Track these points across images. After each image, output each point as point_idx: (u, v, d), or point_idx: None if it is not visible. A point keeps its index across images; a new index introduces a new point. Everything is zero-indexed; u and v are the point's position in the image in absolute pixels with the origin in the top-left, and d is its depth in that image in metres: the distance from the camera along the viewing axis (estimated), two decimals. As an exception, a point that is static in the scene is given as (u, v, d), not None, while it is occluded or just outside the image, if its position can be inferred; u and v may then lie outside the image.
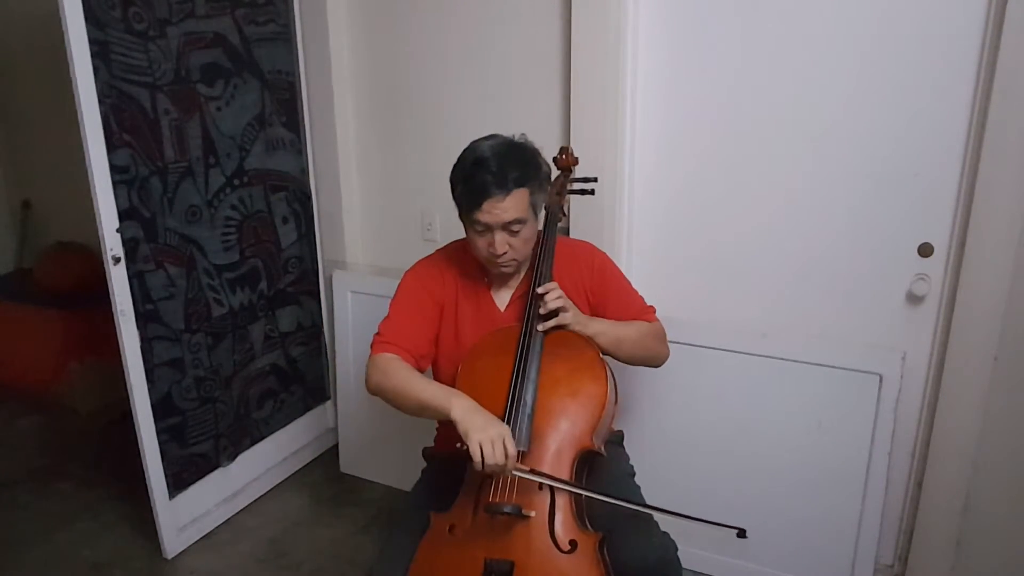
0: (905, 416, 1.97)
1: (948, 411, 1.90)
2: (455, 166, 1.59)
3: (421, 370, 1.61)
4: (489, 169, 1.50)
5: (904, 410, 1.94)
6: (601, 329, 1.63)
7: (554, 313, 1.58)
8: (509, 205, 1.51)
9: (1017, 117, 1.68)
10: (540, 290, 1.58)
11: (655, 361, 1.76)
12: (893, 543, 2.11)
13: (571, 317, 1.58)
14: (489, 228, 1.54)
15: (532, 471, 1.43)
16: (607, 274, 1.74)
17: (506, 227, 1.54)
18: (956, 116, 1.79)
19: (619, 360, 1.69)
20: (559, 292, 1.59)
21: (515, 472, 1.40)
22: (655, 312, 1.77)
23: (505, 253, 1.56)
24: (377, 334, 1.62)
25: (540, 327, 1.57)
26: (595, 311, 1.71)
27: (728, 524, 1.45)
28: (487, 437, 1.37)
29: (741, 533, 1.46)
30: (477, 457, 1.36)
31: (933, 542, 1.99)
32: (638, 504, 1.54)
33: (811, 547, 2.04)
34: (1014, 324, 1.79)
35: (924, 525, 2.00)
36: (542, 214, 1.64)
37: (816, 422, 1.98)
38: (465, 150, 1.59)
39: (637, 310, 1.73)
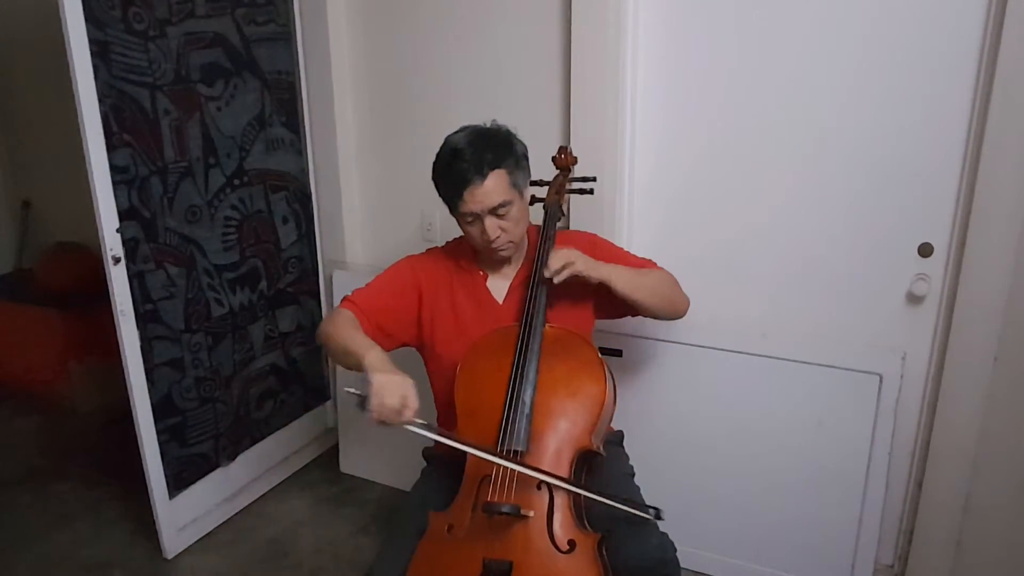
0: (905, 416, 1.96)
1: (948, 411, 1.90)
2: (434, 164, 1.60)
3: (373, 338, 1.64)
4: (464, 158, 1.53)
5: (904, 410, 1.94)
6: (615, 272, 1.60)
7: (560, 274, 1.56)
8: (490, 188, 1.53)
9: (1017, 117, 1.67)
10: (547, 273, 1.56)
11: (676, 306, 1.74)
12: (893, 543, 2.10)
13: (581, 264, 1.56)
14: (478, 217, 1.56)
15: (419, 425, 1.40)
16: (601, 249, 1.74)
17: (493, 211, 1.55)
18: (956, 116, 1.79)
19: (640, 310, 1.66)
20: (562, 260, 1.56)
21: (410, 428, 1.39)
22: (656, 263, 1.77)
23: (499, 237, 1.58)
24: (348, 295, 1.68)
25: (556, 279, 1.55)
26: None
27: (644, 508, 1.44)
28: (389, 380, 1.38)
29: (658, 514, 1.42)
30: (374, 397, 1.36)
31: (933, 542, 1.99)
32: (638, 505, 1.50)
33: (811, 547, 2.03)
34: (1014, 324, 1.79)
35: (924, 525, 2.00)
36: (528, 192, 1.64)
37: (816, 422, 1.98)
38: (441, 147, 1.61)
39: (638, 265, 1.74)
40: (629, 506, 1.44)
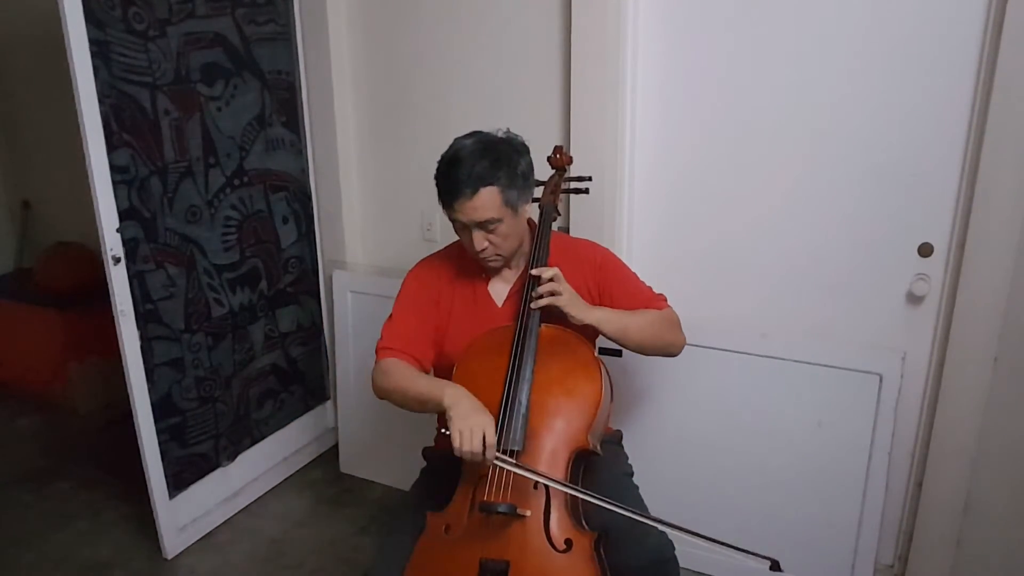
0: (905, 416, 1.96)
1: (948, 411, 1.90)
2: (437, 164, 1.59)
3: (425, 371, 1.63)
4: (459, 169, 1.52)
5: (904, 410, 1.94)
6: (603, 317, 1.58)
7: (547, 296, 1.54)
8: (479, 204, 1.52)
9: (1017, 117, 1.67)
10: (534, 271, 1.56)
11: (670, 349, 1.69)
12: (893, 543, 2.10)
13: (566, 300, 1.53)
14: (466, 226, 1.56)
15: (518, 464, 1.42)
16: (610, 268, 1.72)
17: (481, 225, 1.55)
18: (956, 116, 1.79)
19: (631, 350, 1.64)
20: (553, 275, 1.54)
21: (497, 463, 1.41)
22: (666, 300, 1.73)
23: (485, 249, 1.58)
24: (380, 339, 1.65)
25: (533, 304, 1.54)
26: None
27: (759, 554, 1.29)
28: (467, 424, 1.38)
29: (774, 565, 1.29)
30: (456, 442, 1.38)
31: (933, 542, 1.99)
32: (641, 514, 1.44)
33: (811, 547, 2.03)
34: (1014, 324, 1.78)
35: (924, 525, 2.00)
36: (526, 208, 1.62)
37: (816, 422, 1.97)
38: (448, 148, 1.59)
39: (645, 300, 1.70)
40: (740, 551, 1.30)
